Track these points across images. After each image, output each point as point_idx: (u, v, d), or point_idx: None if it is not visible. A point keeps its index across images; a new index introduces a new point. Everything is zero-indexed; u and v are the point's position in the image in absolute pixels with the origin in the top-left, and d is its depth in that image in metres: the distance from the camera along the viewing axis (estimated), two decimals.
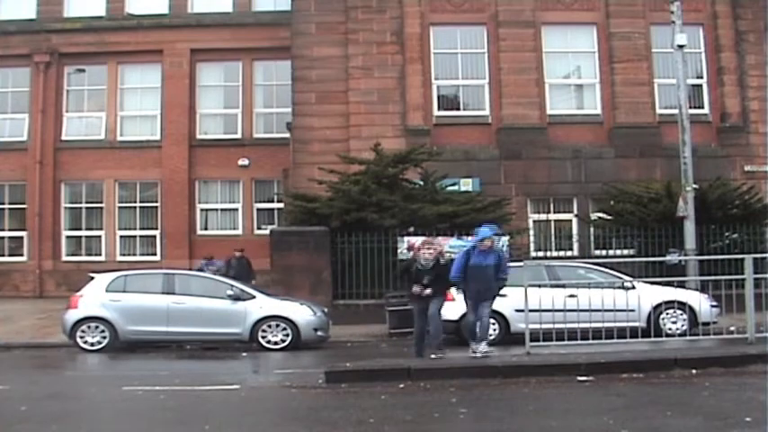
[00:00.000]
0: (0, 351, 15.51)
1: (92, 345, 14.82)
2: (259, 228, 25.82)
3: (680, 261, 16.77)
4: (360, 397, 8.29)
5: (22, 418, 7.65)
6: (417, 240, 15.31)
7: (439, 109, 23.26)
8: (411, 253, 14.44)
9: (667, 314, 13.91)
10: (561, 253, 21.14)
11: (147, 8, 26.68)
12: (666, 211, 18.69)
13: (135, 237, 26.46)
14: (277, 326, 14.83)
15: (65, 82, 26.88)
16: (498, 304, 14.56)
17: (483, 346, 10.57)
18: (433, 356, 11.26)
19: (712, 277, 12.53)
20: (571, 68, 24.05)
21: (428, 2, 23.38)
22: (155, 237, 26.43)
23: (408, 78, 22.97)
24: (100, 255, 26.08)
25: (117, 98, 26.86)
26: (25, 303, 23.04)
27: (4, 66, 26.83)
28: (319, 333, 15.15)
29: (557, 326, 10.53)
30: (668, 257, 16.99)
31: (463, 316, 14.98)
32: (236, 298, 15.04)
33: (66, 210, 26.79)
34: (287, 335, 14.78)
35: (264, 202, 26.51)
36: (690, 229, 17.54)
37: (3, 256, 26.42)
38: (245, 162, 26.18)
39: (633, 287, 13.10)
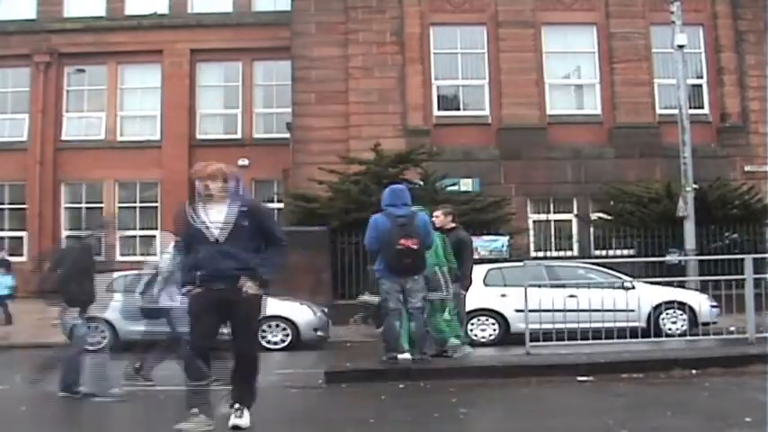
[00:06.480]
0: (0, 351, 15.49)
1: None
2: None
3: (680, 261, 16.77)
4: (360, 397, 8.28)
5: (22, 419, 7.64)
6: None
7: (439, 109, 23.27)
8: None
9: (667, 314, 13.88)
10: (561, 253, 21.16)
11: (147, 8, 26.71)
12: (666, 211, 18.69)
13: (135, 237, 26.46)
14: (277, 326, 14.79)
15: (65, 82, 26.92)
16: (498, 304, 14.70)
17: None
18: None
19: (712, 277, 12.51)
20: (571, 69, 24.07)
21: (428, 2, 23.41)
22: (155, 237, 26.40)
23: (408, 78, 22.98)
24: (100, 255, 26.02)
25: (117, 98, 26.89)
26: (25, 303, 22.95)
27: (4, 66, 26.85)
28: (319, 333, 15.13)
29: (557, 326, 10.52)
30: (668, 257, 16.97)
31: None
32: None
33: (66, 210, 26.80)
34: (287, 335, 14.75)
35: (264, 202, 26.43)
36: (690, 229, 17.54)
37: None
38: (245, 162, 26.14)
39: (633, 287, 13.07)
